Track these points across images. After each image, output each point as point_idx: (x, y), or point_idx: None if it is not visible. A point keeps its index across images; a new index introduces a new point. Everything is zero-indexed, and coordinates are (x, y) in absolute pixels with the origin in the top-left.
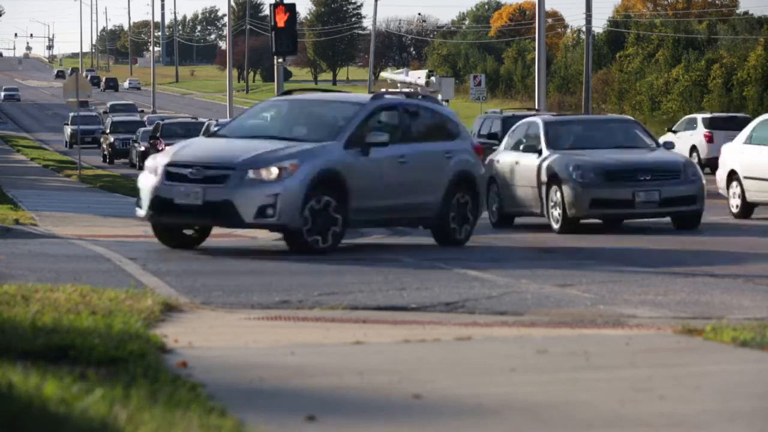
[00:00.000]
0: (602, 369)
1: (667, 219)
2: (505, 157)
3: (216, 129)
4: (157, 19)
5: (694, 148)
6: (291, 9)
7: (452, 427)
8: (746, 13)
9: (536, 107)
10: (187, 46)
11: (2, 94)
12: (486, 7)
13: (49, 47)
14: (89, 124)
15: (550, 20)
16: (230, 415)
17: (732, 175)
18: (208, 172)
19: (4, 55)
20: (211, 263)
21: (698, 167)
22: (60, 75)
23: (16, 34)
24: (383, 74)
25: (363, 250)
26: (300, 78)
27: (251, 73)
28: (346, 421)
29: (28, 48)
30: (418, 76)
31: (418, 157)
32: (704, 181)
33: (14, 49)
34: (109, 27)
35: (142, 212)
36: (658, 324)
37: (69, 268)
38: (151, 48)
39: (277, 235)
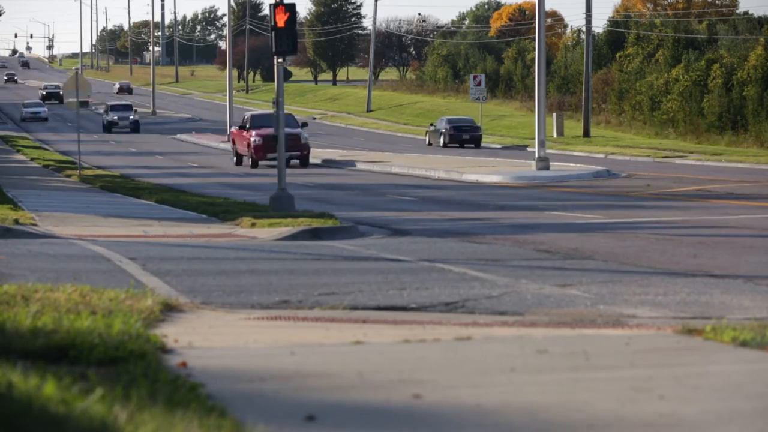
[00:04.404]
0: (602, 369)
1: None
2: None
3: None
4: (157, 19)
5: None
6: (291, 9)
7: (452, 427)
8: (746, 13)
9: None
10: (187, 46)
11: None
12: (486, 7)
13: (49, 47)
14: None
15: (549, 20)
16: (230, 415)
17: None
18: None
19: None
20: (211, 263)
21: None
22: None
23: (16, 35)
24: None
25: (363, 250)
26: (300, 78)
27: (251, 73)
28: (346, 421)
29: (29, 47)
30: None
31: None
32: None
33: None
34: (109, 27)
35: None
36: (658, 324)
37: (69, 268)
38: (151, 48)
39: (277, 234)
